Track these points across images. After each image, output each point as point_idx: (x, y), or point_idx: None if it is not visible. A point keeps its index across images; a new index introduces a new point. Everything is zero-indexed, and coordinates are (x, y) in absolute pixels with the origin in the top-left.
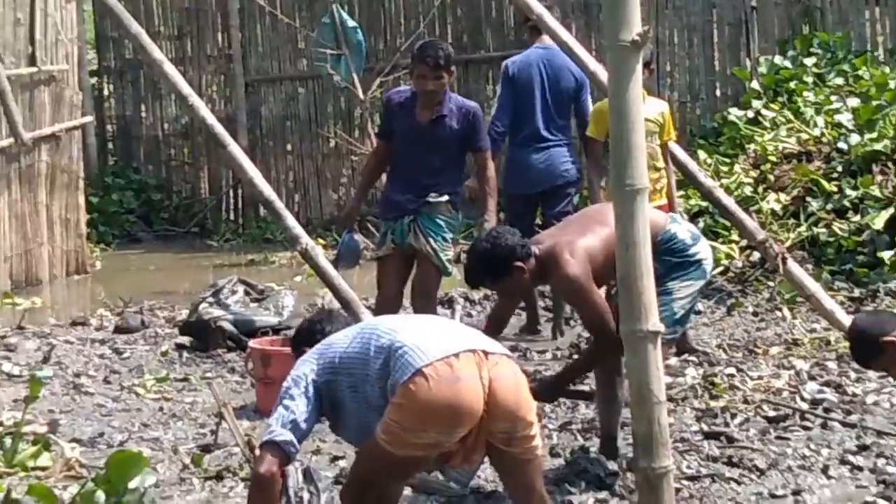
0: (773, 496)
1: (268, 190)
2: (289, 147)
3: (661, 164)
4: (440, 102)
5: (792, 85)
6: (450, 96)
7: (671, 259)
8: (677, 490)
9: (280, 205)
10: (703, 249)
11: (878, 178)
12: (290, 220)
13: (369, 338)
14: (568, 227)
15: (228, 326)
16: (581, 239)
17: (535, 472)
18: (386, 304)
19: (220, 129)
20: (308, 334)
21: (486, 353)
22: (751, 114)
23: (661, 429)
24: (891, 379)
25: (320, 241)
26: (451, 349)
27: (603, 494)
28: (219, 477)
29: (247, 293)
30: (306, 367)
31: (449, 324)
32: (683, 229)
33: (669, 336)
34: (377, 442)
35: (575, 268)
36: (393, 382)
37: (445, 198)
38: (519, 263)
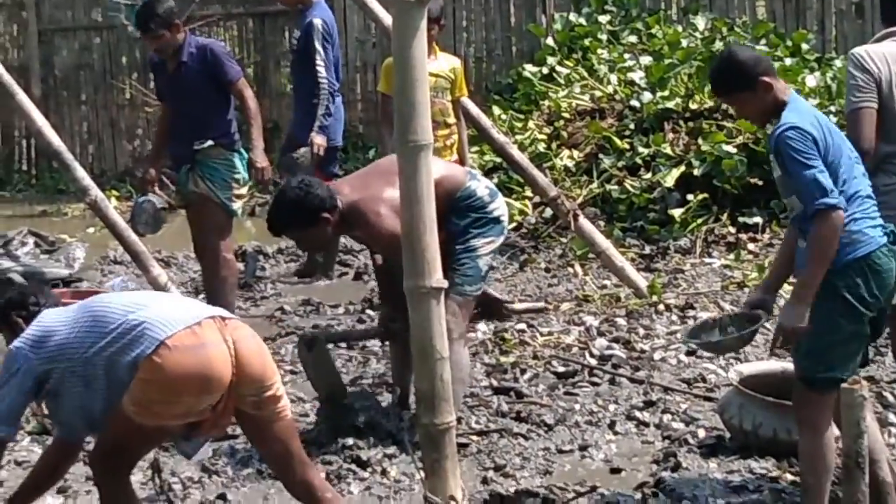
0: (560, 451)
1: (56, 141)
2: (83, 97)
3: (452, 119)
4: (178, 50)
5: (586, 42)
6: (190, 41)
7: (471, 215)
8: (465, 445)
9: (69, 156)
10: (501, 206)
11: (670, 135)
12: (80, 172)
13: (101, 318)
14: (368, 181)
15: (18, 278)
16: (385, 192)
17: (289, 432)
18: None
19: (7, 78)
20: (19, 303)
21: (224, 319)
22: (545, 70)
23: (444, 385)
24: (678, 335)
25: (114, 192)
26: (191, 318)
27: (392, 449)
28: None
29: (37, 245)
30: (21, 354)
31: (181, 297)
32: (482, 186)
33: (475, 293)
34: (125, 414)
35: (390, 222)
36: (136, 357)
37: (210, 143)
38: (326, 215)
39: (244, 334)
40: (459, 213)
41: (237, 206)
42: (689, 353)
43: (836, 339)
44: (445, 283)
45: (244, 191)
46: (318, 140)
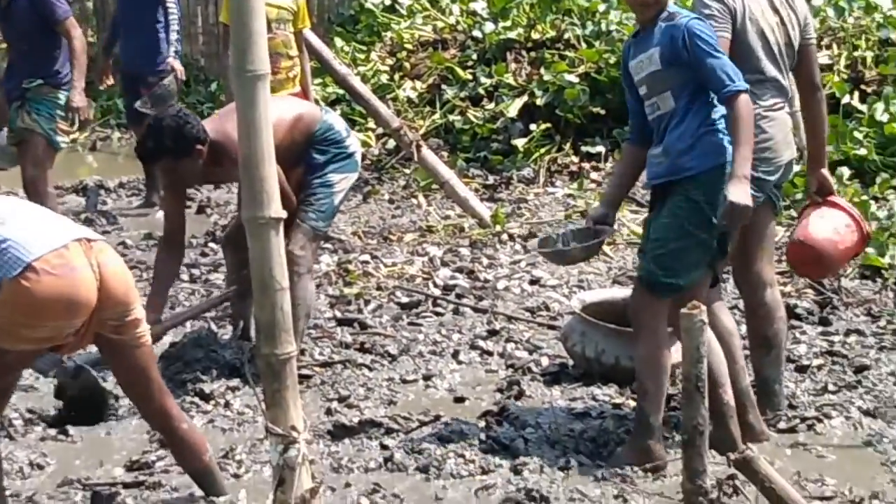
0: (404, 381)
1: None
2: None
3: (294, 52)
4: None
5: None
6: None
7: (331, 150)
8: (308, 377)
9: None
10: (355, 142)
11: (512, 66)
12: None
13: None
14: (229, 115)
15: None
16: None
17: (148, 358)
18: None
19: None
20: None
21: (89, 241)
22: (388, 2)
23: (284, 315)
24: (522, 264)
25: None
26: (58, 240)
27: (235, 382)
28: None
29: None
30: None
31: (43, 212)
32: (338, 120)
33: (325, 228)
34: None
35: None
36: None
37: (40, 81)
38: (200, 147)
39: (109, 258)
40: (319, 147)
41: (61, 139)
42: (533, 282)
43: (684, 246)
44: (284, 214)
45: (70, 127)
46: (178, 66)
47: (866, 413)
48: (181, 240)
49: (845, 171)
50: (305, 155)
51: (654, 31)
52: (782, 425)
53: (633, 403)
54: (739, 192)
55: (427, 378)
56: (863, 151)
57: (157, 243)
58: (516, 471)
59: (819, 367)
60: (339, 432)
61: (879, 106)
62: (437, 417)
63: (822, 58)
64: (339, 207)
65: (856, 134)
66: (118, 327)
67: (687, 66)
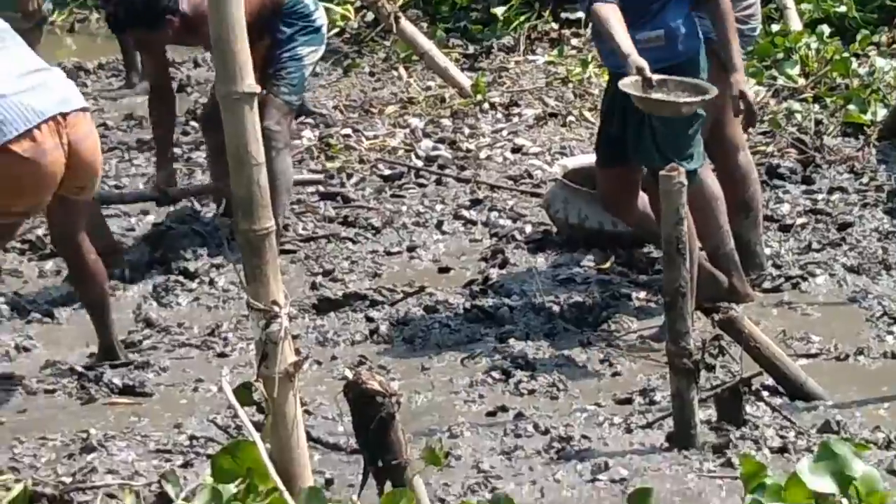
0: (388, 253)
1: None
2: None
3: None
4: None
5: None
6: None
7: (298, 23)
8: (292, 251)
9: None
10: (322, 15)
11: None
12: None
13: None
14: None
15: None
16: None
17: (86, 206)
18: None
19: None
20: None
21: (64, 116)
22: None
23: (261, 190)
24: (504, 133)
25: None
26: (31, 119)
27: (219, 259)
28: None
29: None
30: None
31: (27, 66)
32: None
33: (297, 102)
34: None
35: None
36: None
37: None
38: (171, 17)
39: (82, 132)
40: (287, 20)
41: None
42: (515, 150)
43: (695, 130)
44: (258, 89)
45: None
46: None
47: (850, 270)
48: (169, 86)
49: (825, 29)
50: (272, 27)
51: None
52: (767, 285)
53: (618, 268)
54: (749, 88)
55: (411, 249)
56: (842, 9)
57: (137, 123)
58: (501, 339)
59: (803, 226)
60: (325, 306)
61: None
62: (422, 288)
63: None
64: (308, 80)
65: None
66: (79, 191)
67: None
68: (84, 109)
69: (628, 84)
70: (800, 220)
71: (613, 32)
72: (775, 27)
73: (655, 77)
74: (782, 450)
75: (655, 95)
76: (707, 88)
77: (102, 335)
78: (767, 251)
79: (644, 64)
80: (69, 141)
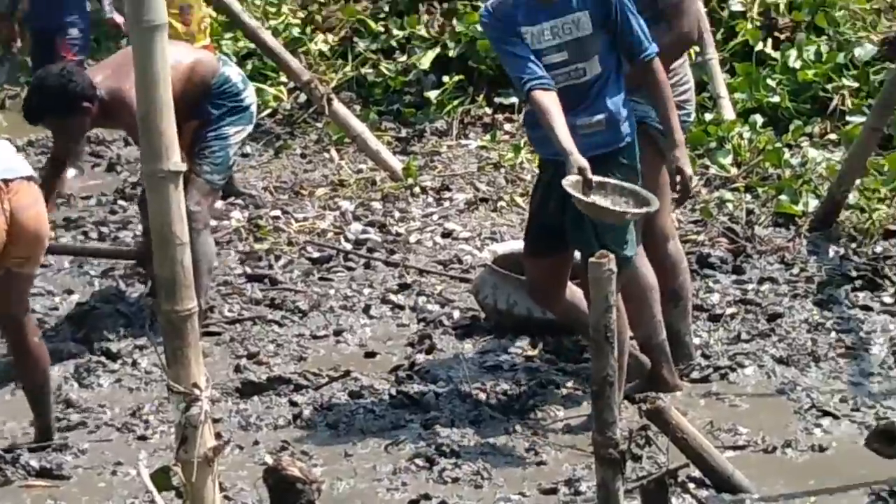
0: (314, 337)
1: None
2: None
3: (204, 5)
4: None
5: None
6: None
7: (227, 104)
8: (217, 333)
9: None
10: (252, 94)
11: (425, 17)
12: None
13: None
14: (124, 69)
15: None
16: None
17: (29, 282)
18: None
19: None
20: None
21: (6, 182)
22: None
23: (185, 271)
24: (434, 217)
25: None
26: None
27: (142, 340)
28: None
29: None
30: None
31: None
32: (235, 72)
33: (221, 182)
34: None
35: None
36: None
37: None
38: (87, 104)
39: (24, 202)
40: (214, 100)
41: None
42: (445, 235)
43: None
44: (184, 167)
45: None
46: (118, 18)
47: (779, 361)
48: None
49: (759, 119)
50: (201, 108)
51: None
52: (695, 375)
53: (546, 355)
54: (688, 163)
55: (338, 333)
56: (776, 99)
57: (64, 201)
58: (426, 426)
59: (732, 316)
60: (248, 389)
61: (792, 53)
62: (348, 373)
63: (735, 5)
64: (233, 160)
65: (769, 81)
66: (22, 263)
67: (613, 29)
68: (29, 178)
69: (572, 184)
70: (729, 310)
71: (554, 125)
72: (708, 116)
73: (595, 179)
74: None
75: (598, 201)
76: (648, 199)
77: (40, 417)
78: (696, 341)
79: (585, 164)
80: (11, 208)
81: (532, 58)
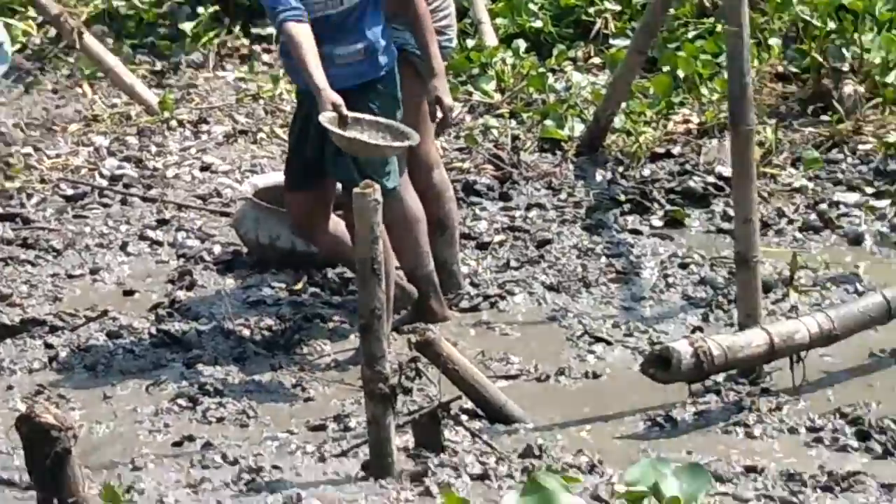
0: (70, 276)
1: None
2: None
3: None
4: None
5: None
6: None
7: None
8: None
9: None
10: (2, 31)
11: None
12: None
13: None
14: None
15: None
16: None
17: None
18: None
19: None
20: None
21: None
22: None
23: None
24: (192, 151)
25: None
26: None
27: None
28: None
29: None
30: None
31: None
32: None
33: None
34: None
35: None
36: None
37: None
38: None
39: None
40: None
41: None
42: (204, 169)
43: None
44: None
45: None
46: None
47: (550, 288)
48: None
49: (521, 44)
50: None
51: None
52: (465, 305)
53: (311, 289)
54: (449, 94)
55: (94, 272)
56: (538, 24)
57: None
58: (189, 364)
59: (501, 244)
60: (1, 332)
61: None
62: (105, 312)
63: None
64: None
65: (531, 6)
66: None
67: None
68: None
69: (329, 120)
70: (497, 238)
71: (306, 61)
72: (471, 42)
73: (351, 115)
74: (483, 476)
75: (356, 136)
76: (406, 132)
77: None
78: (465, 270)
79: (339, 100)
80: None
81: None
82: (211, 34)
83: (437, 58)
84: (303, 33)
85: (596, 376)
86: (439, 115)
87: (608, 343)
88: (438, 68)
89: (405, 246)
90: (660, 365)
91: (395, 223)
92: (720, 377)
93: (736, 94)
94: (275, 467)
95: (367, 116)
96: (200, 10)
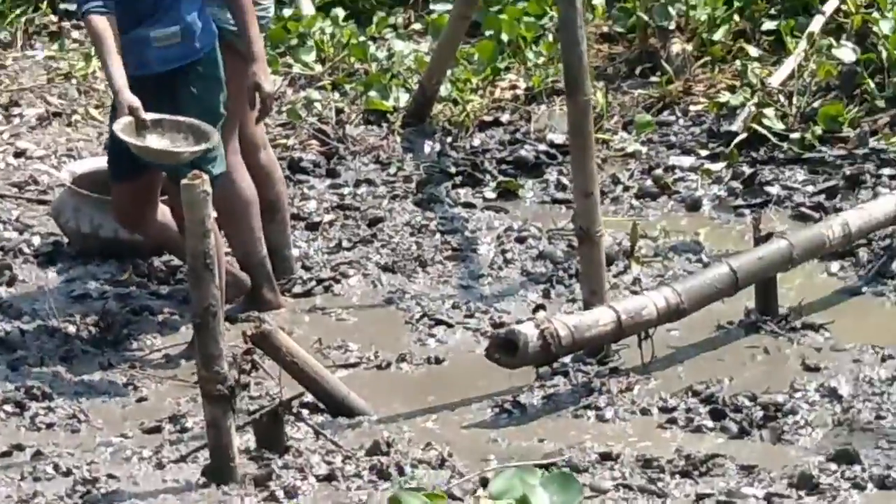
0: None
1: None
2: None
3: None
4: None
5: None
6: None
7: None
8: None
9: None
10: None
11: None
12: None
13: None
14: None
15: None
16: None
17: None
18: None
19: None
20: None
21: None
22: None
23: None
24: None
25: None
26: None
27: None
28: None
29: None
30: None
31: None
32: None
33: None
34: None
35: None
36: None
37: None
38: None
39: None
40: None
41: None
42: (18, 155)
43: (221, 128)
44: None
45: None
46: None
47: (385, 268)
48: None
49: (340, 13)
50: None
51: None
52: (298, 290)
53: (136, 279)
54: (270, 79)
55: None
56: None
57: None
58: (14, 367)
59: (331, 223)
60: None
61: None
62: None
63: None
64: None
65: None
66: None
67: None
68: None
69: (123, 127)
70: (327, 217)
71: (105, 59)
72: (287, 11)
73: (150, 117)
74: (329, 477)
75: (153, 142)
76: (207, 132)
77: None
78: (296, 252)
79: (136, 102)
80: None
81: None
82: (17, 12)
83: (256, 41)
84: (103, 27)
85: (438, 361)
86: (258, 102)
87: (449, 325)
88: (258, 52)
89: (237, 231)
90: (505, 349)
91: (227, 208)
92: (567, 358)
93: (570, 64)
94: (110, 476)
95: (168, 117)
96: None
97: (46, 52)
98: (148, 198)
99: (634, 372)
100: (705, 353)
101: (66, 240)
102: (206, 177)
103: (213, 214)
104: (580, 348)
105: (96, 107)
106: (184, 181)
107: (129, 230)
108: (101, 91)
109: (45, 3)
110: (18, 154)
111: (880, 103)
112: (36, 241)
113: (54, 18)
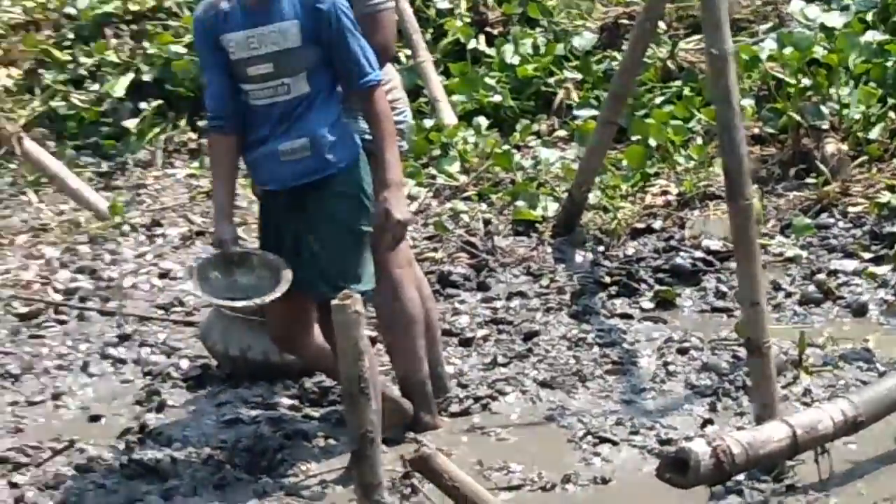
0: (31, 403)
1: None
2: None
3: None
4: None
5: None
6: None
7: None
8: None
9: None
10: None
11: (113, 41)
12: None
13: None
14: None
15: None
16: None
17: None
18: None
19: None
20: None
21: None
22: None
23: None
24: (149, 257)
25: None
26: None
27: None
28: None
29: None
30: None
31: None
32: None
33: None
34: None
35: None
36: None
37: None
38: None
39: None
40: None
41: None
42: (162, 276)
43: (363, 247)
44: None
45: None
46: None
47: (543, 384)
48: None
49: (482, 121)
50: None
51: (277, 1)
52: (454, 409)
53: (287, 402)
54: (403, 207)
55: (56, 397)
56: (497, 98)
57: None
58: (166, 496)
59: (485, 338)
60: None
61: (508, 48)
62: (72, 443)
63: (441, 2)
64: None
65: (487, 80)
66: None
67: (328, 46)
68: None
69: (204, 265)
70: (481, 333)
71: (214, 182)
72: (429, 122)
73: (238, 251)
74: None
75: (218, 301)
76: (282, 277)
77: None
78: (450, 370)
79: (226, 235)
80: None
81: (223, 84)
82: (156, 130)
83: (392, 168)
84: (221, 149)
85: (605, 481)
86: (388, 228)
87: (614, 443)
88: (392, 179)
89: (400, 349)
90: (676, 468)
91: (390, 324)
92: (740, 475)
93: (731, 167)
94: None
95: (258, 253)
96: (143, 105)
97: (187, 169)
98: (302, 315)
99: (812, 489)
100: (886, 466)
101: (214, 362)
102: (356, 296)
103: (369, 334)
104: (754, 466)
105: (239, 224)
106: (334, 302)
107: (285, 351)
108: (242, 208)
109: (185, 120)
110: (163, 275)
111: None
112: (184, 364)
113: (193, 136)
